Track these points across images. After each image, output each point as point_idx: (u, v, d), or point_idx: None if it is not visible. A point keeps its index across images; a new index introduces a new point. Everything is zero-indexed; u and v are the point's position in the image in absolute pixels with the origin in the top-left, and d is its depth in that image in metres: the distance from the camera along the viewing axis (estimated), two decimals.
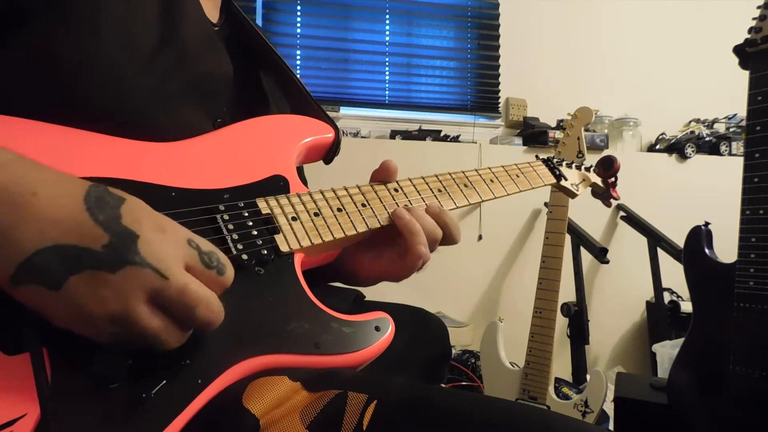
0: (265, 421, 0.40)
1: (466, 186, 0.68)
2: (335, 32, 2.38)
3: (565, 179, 0.87)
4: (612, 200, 1.03)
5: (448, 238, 0.60)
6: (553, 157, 0.88)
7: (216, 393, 0.41)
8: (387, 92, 2.40)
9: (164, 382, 0.39)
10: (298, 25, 2.32)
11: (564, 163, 0.90)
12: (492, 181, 0.71)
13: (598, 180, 0.99)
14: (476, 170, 0.70)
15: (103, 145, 0.48)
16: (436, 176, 0.66)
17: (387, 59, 2.40)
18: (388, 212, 0.59)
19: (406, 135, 2.23)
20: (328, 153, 0.66)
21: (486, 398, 0.44)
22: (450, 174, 0.68)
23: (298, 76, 0.71)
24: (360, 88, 2.37)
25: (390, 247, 0.59)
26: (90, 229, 0.35)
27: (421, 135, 2.23)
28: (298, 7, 2.32)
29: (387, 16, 2.41)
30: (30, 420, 0.35)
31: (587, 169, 0.97)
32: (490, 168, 0.72)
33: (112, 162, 0.47)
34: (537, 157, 0.87)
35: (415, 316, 0.76)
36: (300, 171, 0.73)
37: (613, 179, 1.01)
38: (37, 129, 0.45)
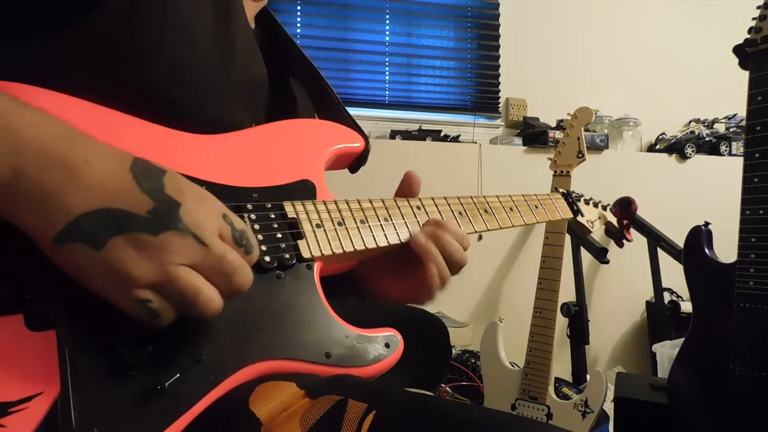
0: (267, 425, 0.41)
1: (486, 212, 0.69)
2: (335, 32, 2.38)
3: (582, 215, 0.89)
4: (625, 241, 1.04)
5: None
6: (573, 192, 0.91)
7: (225, 391, 0.42)
8: (387, 92, 2.40)
9: (178, 375, 0.40)
10: (298, 25, 2.32)
11: (582, 199, 0.92)
12: (512, 209, 0.72)
13: (613, 220, 1.00)
14: (497, 196, 0.72)
15: (140, 129, 0.49)
16: (458, 198, 0.67)
17: (387, 59, 2.40)
18: (408, 229, 0.60)
19: (406, 135, 2.23)
20: (355, 162, 0.67)
21: (488, 411, 0.45)
22: (472, 198, 0.69)
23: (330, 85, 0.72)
24: (360, 88, 2.37)
25: (412, 269, 0.60)
26: (136, 196, 0.36)
27: (421, 135, 2.23)
28: (298, 7, 2.32)
29: (387, 16, 2.41)
30: (47, 398, 0.36)
31: (604, 208, 0.99)
32: (510, 196, 0.74)
33: (148, 148, 0.48)
34: (556, 189, 0.89)
35: (417, 316, 0.76)
36: None
37: (627, 221, 1.02)
38: (83, 107, 0.46)
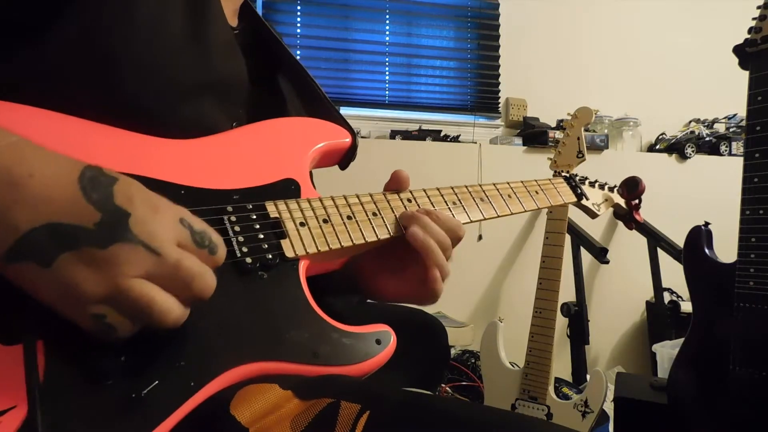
0: (254, 429, 0.40)
1: (482, 200, 0.66)
2: (335, 32, 2.38)
3: (587, 198, 0.86)
4: (634, 223, 1.00)
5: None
6: (576, 175, 0.87)
7: (207, 397, 0.41)
8: (387, 92, 2.40)
9: (156, 382, 0.38)
10: (298, 25, 2.32)
11: (587, 182, 0.89)
12: (510, 196, 0.70)
13: (621, 201, 0.97)
14: (494, 184, 0.69)
15: (116, 138, 0.48)
16: (452, 188, 0.65)
17: (387, 59, 2.40)
18: (399, 222, 0.58)
19: (406, 135, 2.23)
20: (344, 158, 0.65)
21: (488, 409, 0.44)
22: (467, 187, 0.66)
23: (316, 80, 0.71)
24: (360, 88, 2.37)
25: (413, 267, 0.58)
26: (83, 208, 0.35)
27: (421, 135, 2.23)
28: (298, 7, 2.32)
29: (387, 16, 2.41)
30: (20, 412, 0.35)
31: (610, 189, 0.95)
32: (508, 183, 0.71)
33: (124, 156, 0.47)
34: (559, 173, 0.86)
35: (414, 317, 0.75)
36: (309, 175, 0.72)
37: (636, 201, 0.98)
38: (55, 120, 0.45)
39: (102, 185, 0.36)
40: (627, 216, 1.00)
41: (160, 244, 0.37)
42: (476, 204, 0.66)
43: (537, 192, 0.74)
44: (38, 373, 0.35)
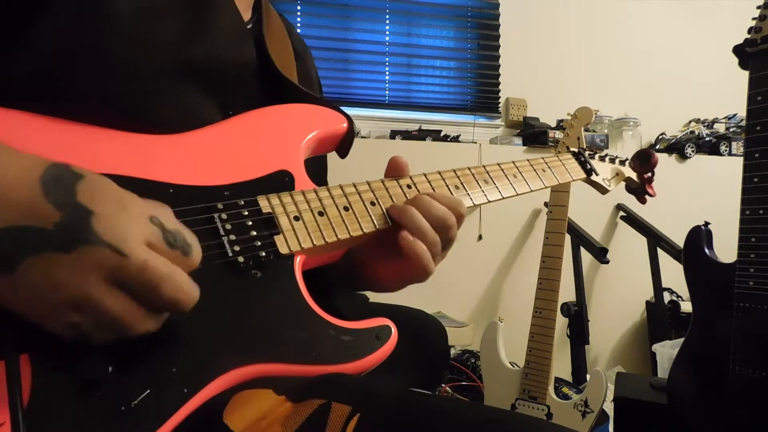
0: None
1: (486, 182, 0.63)
2: (335, 32, 2.38)
3: (596, 174, 0.82)
4: (647, 197, 0.96)
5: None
6: (585, 150, 0.83)
7: (201, 403, 0.39)
8: (387, 92, 2.40)
9: (148, 391, 0.37)
10: (298, 25, 2.32)
11: (596, 156, 0.85)
12: (515, 176, 0.66)
13: (633, 175, 0.92)
14: (498, 164, 0.66)
15: (102, 139, 0.46)
16: (454, 171, 0.62)
17: (387, 59, 2.40)
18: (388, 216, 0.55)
19: (406, 135, 2.23)
20: (341, 145, 0.62)
21: (484, 408, 0.43)
22: (469, 169, 0.63)
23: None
24: (360, 88, 2.37)
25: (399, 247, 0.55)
26: (43, 209, 0.33)
27: (421, 135, 2.23)
28: (298, 7, 2.32)
29: (387, 16, 2.40)
30: (7, 429, 0.33)
31: (621, 163, 0.91)
32: (513, 162, 0.67)
33: (110, 157, 0.45)
34: (568, 149, 0.83)
35: (415, 318, 0.75)
36: (323, 160, 0.70)
37: (649, 174, 0.94)
38: (38, 123, 0.44)
39: (64, 183, 0.34)
40: (639, 190, 0.96)
41: (126, 243, 0.34)
42: (480, 186, 0.62)
43: (544, 170, 0.71)
44: (21, 391, 0.34)
